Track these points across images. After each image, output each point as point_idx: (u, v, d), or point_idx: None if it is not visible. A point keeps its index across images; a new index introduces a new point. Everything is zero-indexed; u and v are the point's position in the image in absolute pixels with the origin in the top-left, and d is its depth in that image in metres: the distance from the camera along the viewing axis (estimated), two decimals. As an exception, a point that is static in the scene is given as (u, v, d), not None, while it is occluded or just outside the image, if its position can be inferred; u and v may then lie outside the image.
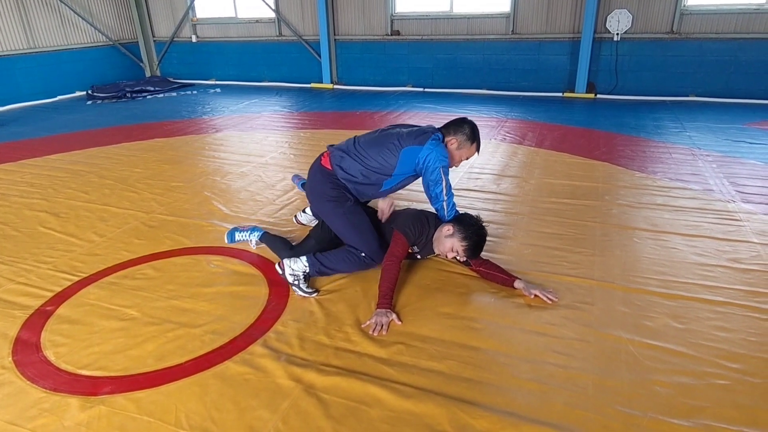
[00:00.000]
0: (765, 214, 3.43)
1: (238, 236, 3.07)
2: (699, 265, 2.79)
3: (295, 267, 2.59)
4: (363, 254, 2.66)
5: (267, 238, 3.02)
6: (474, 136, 2.70)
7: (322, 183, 2.71)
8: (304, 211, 3.32)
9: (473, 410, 1.82)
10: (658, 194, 3.83)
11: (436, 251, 2.69)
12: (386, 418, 1.80)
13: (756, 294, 2.51)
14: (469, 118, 2.76)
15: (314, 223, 3.19)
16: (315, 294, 2.58)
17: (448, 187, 2.62)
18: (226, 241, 3.10)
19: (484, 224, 2.62)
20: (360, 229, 2.68)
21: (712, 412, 1.81)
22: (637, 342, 2.18)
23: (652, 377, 1.97)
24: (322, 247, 2.77)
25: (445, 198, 2.62)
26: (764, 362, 2.05)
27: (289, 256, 2.67)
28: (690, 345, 2.15)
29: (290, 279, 2.59)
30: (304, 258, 2.62)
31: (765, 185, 3.97)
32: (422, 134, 2.66)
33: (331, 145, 2.84)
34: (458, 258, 2.60)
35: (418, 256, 2.80)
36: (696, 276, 2.68)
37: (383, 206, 2.84)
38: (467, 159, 2.77)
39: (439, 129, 2.73)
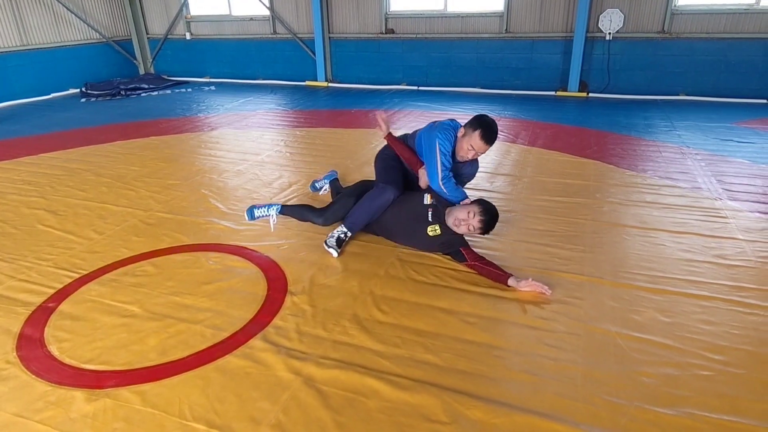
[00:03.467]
0: (750, 212, 3.52)
1: (257, 213, 3.26)
2: (686, 261, 2.88)
3: (332, 233, 3.04)
4: (380, 184, 3.03)
5: (289, 209, 3.27)
6: (478, 125, 2.84)
7: (384, 147, 3.34)
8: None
9: (467, 400, 1.90)
10: (648, 192, 3.92)
11: (450, 222, 2.78)
12: (383, 409, 1.87)
13: (740, 289, 2.60)
14: (486, 114, 2.93)
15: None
16: (337, 252, 2.96)
17: (443, 167, 2.87)
18: (246, 218, 3.29)
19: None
20: (387, 165, 3.17)
21: (695, 401, 1.89)
22: (624, 335, 2.26)
23: (639, 368, 2.05)
24: (347, 199, 3.14)
25: (440, 175, 2.86)
26: (746, 354, 2.14)
27: (319, 216, 3.11)
28: (675, 338, 2.24)
29: (329, 242, 3.00)
30: (340, 226, 3.05)
31: (751, 183, 4.07)
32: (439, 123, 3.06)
33: None
34: (470, 229, 2.72)
35: (430, 211, 2.86)
36: (682, 272, 2.77)
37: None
38: (476, 150, 2.88)
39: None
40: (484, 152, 2.94)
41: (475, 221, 2.70)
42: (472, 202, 2.80)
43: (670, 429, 1.77)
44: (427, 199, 2.91)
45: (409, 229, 2.96)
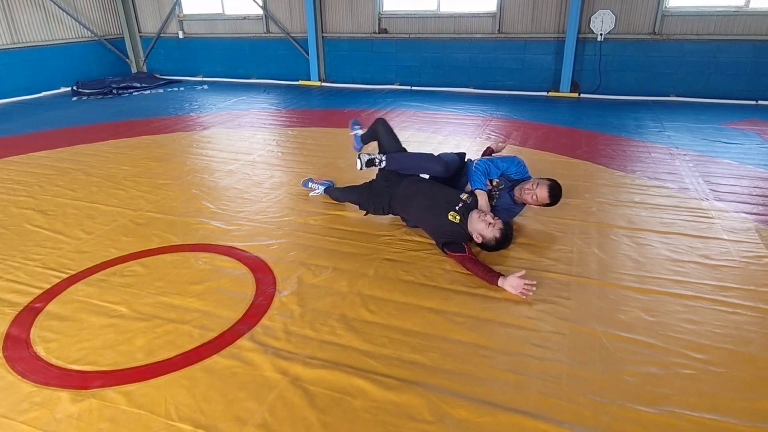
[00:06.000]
0: (736, 212, 3.56)
1: (356, 128, 3.85)
2: (671, 261, 2.91)
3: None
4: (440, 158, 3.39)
5: (366, 135, 3.72)
6: (551, 180, 3.18)
7: None
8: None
9: (453, 400, 1.91)
10: (636, 192, 3.95)
11: (470, 226, 2.94)
12: (369, 408, 1.88)
13: (724, 288, 2.63)
14: (553, 179, 3.23)
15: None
16: (360, 166, 3.27)
17: (486, 167, 3.32)
18: (350, 130, 3.92)
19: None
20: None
21: (676, 399, 1.91)
22: (610, 334, 2.28)
23: (623, 367, 2.08)
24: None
25: (480, 166, 3.31)
26: (727, 352, 2.16)
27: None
28: (659, 337, 2.26)
29: (363, 156, 3.26)
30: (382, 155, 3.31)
31: (737, 184, 4.11)
32: None
33: None
34: (483, 239, 2.90)
35: (461, 203, 3.05)
36: (668, 272, 2.80)
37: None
38: (538, 196, 3.15)
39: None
40: (538, 203, 3.19)
41: (499, 222, 2.89)
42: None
43: (652, 427, 1.80)
44: (464, 196, 3.11)
45: (433, 204, 3.08)
